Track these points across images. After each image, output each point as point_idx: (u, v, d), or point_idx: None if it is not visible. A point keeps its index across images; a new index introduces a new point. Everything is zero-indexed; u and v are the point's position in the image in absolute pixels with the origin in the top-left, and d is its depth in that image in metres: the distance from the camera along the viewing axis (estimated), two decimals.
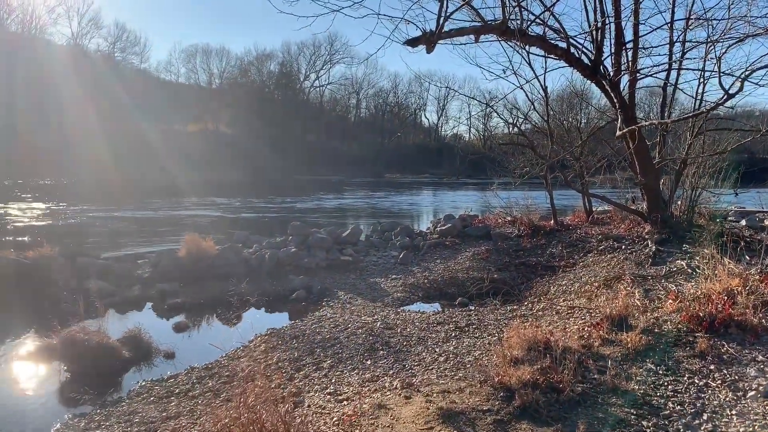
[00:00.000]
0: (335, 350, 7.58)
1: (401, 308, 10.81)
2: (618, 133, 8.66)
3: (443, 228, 15.54)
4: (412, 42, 6.69)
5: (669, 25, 10.20)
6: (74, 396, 6.78)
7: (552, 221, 15.23)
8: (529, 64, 12.01)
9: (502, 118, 20.26)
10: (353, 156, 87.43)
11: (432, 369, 6.38)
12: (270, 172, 68.24)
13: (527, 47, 10.69)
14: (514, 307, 9.96)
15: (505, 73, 12.39)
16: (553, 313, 9.03)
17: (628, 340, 6.15)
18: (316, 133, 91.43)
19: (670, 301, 7.68)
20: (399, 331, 8.39)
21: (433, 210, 34.29)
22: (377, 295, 11.54)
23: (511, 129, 16.90)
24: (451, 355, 6.82)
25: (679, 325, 6.66)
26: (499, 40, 9.04)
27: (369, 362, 6.90)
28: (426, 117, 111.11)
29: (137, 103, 68.14)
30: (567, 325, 7.72)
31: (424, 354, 7.05)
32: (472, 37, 8.24)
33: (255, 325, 10.08)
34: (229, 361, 7.56)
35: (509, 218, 16.45)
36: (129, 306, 10.99)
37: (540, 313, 9.15)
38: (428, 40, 6.65)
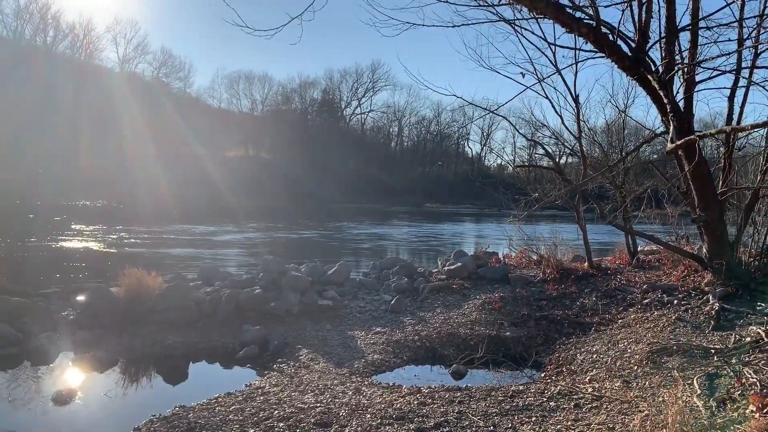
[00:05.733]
0: None
1: (371, 378, 8.13)
2: (669, 146, 5.96)
3: (452, 268, 12.79)
4: None
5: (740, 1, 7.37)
6: None
7: (586, 263, 12.33)
8: (553, 58, 9.29)
9: (523, 135, 17.36)
10: (394, 184, 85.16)
11: None
12: (309, 199, 66.58)
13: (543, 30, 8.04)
14: (520, 387, 7.13)
15: (523, 77, 9.70)
16: (571, 405, 6.20)
17: None
18: (357, 161, 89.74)
19: (752, 407, 4.82)
20: None
21: (462, 243, 31.45)
22: (348, 356, 8.88)
23: (532, 151, 14.10)
24: None
25: None
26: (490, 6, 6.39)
27: None
28: (469, 147, 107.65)
29: (183, 126, 68.50)
30: None
31: None
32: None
33: (166, 396, 7.66)
34: None
35: (536, 257, 13.58)
36: (26, 360, 8.62)
37: (552, 403, 6.32)
38: None
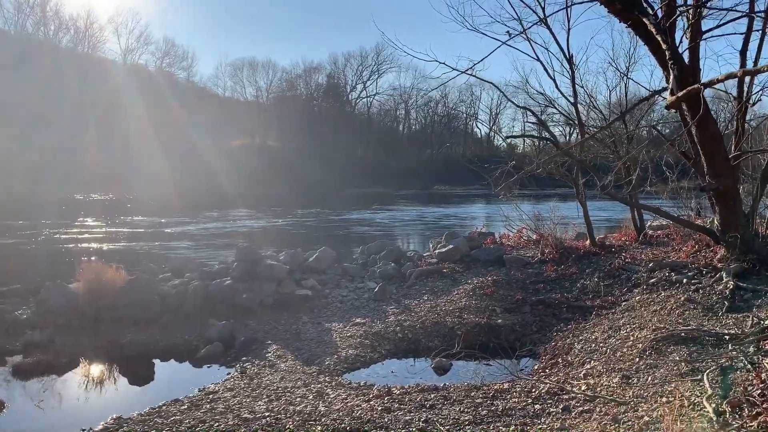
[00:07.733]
0: None
1: (342, 376, 7.28)
2: (669, 98, 4.96)
3: (443, 251, 11.85)
4: None
5: None
6: None
7: (587, 241, 11.35)
8: (543, 13, 8.23)
9: (514, 104, 16.04)
10: (402, 168, 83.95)
11: None
12: (316, 185, 65.63)
13: None
14: (505, 385, 6.21)
15: (510, 36, 8.65)
16: (560, 408, 5.28)
17: None
18: (364, 146, 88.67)
19: None
20: None
21: (465, 225, 30.43)
22: (320, 352, 8.00)
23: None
24: None
25: None
26: None
27: None
28: (478, 127, 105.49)
29: (188, 117, 67.97)
30: None
31: None
32: None
33: (108, 405, 6.84)
34: None
35: (534, 237, 12.57)
36: None
37: (538, 406, 5.41)
38: None
